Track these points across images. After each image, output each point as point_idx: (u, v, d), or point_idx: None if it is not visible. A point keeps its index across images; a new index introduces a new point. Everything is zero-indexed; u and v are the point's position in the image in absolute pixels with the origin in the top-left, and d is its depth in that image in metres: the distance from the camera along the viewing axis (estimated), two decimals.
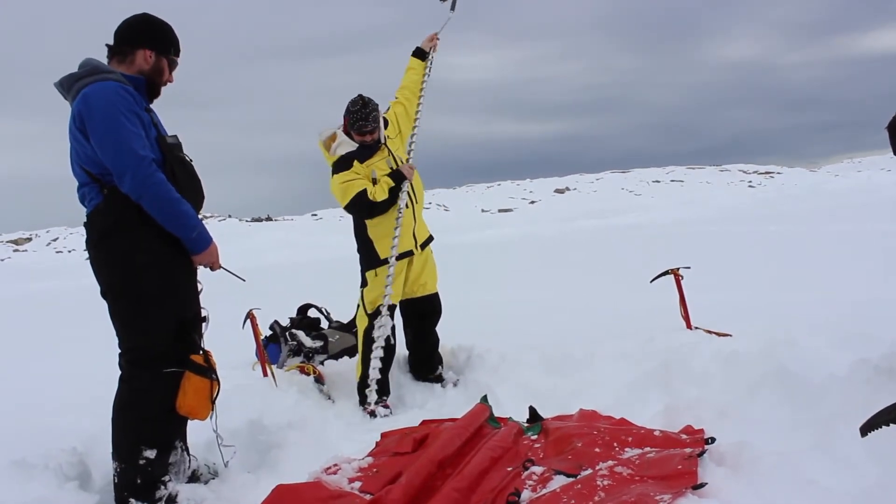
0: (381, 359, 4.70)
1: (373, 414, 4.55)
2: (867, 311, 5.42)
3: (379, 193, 4.60)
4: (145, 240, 3.10)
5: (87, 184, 3.12)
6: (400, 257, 4.73)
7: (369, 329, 4.70)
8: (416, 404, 4.73)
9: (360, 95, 4.69)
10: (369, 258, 4.78)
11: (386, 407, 4.63)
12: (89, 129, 3.02)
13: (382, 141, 4.78)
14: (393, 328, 4.76)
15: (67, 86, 3.14)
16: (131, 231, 3.08)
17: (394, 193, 4.66)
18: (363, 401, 4.68)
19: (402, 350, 5.06)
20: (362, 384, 4.72)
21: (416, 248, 4.81)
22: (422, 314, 4.93)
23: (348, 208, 4.68)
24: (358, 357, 4.82)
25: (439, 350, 5.03)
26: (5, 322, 11.23)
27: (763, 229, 14.95)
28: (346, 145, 4.70)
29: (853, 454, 2.84)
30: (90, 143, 3.03)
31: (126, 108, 3.03)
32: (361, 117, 4.62)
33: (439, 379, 4.93)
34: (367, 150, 4.72)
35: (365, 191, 4.58)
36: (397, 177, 4.68)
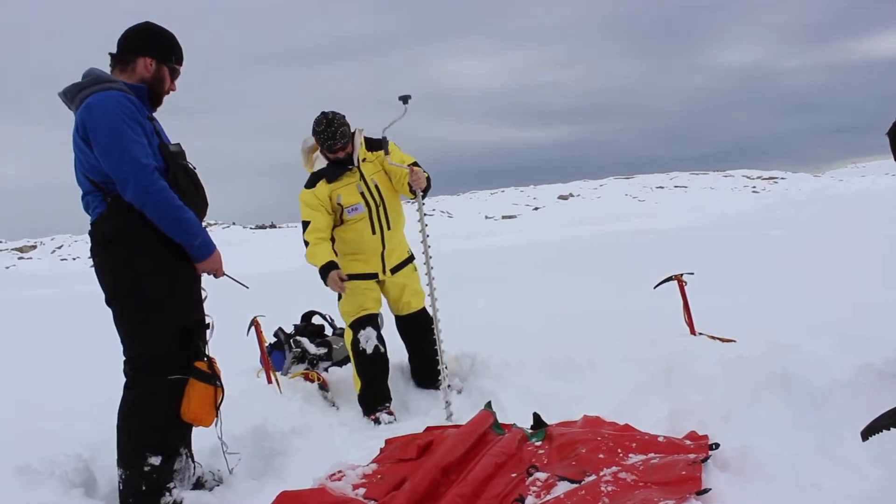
0: (376, 368, 4.70)
1: (377, 421, 4.56)
2: (870, 315, 5.42)
3: (310, 254, 4.58)
4: (148, 247, 3.12)
5: (91, 192, 3.15)
6: (365, 277, 4.71)
7: (356, 341, 4.70)
8: (421, 411, 4.73)
9: (323, 113, 4.56)
10: None
11: (390, 413, 4.63)
12: (92, 138, 3.04)
13: (355, 163, 4.65)
14: (380, 337, 4.73)
15: (71, 96, 3.16)
16: (134, 238, 3.10)
17: (315, 265, 4.57)
18: (366, 411, 4.69)
19: (404, 357, 5.06)
20: (363, 395, 4.73)
21: (385, 272, 4.75)
22: (411, 330, 4.90)
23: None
24: (353, 370, 4.80)
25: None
26: (10, 329, 11.24)
27: (767, 234, 14.93)
28: (321, 162, 4.70)
29: (856, 458, 2.85)
30: (93, 152, 3.06)
31: (128, 117, 3.05)
32: (328, 136, 4.52)
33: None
34: (336, 170, 4.63)
35: (308, 224, 4.59)
36: (323, 273, 4.52)
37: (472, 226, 34.58)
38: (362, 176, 4.68)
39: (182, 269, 3.23)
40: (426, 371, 4.90)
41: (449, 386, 4.67)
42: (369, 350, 4.67)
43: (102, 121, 3.02)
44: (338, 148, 4.57)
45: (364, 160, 4.72)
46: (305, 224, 4.63)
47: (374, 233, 4.68)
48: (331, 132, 4.52)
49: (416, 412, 4.73)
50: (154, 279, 3.14)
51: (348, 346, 4.79)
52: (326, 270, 4.51)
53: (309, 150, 4.82)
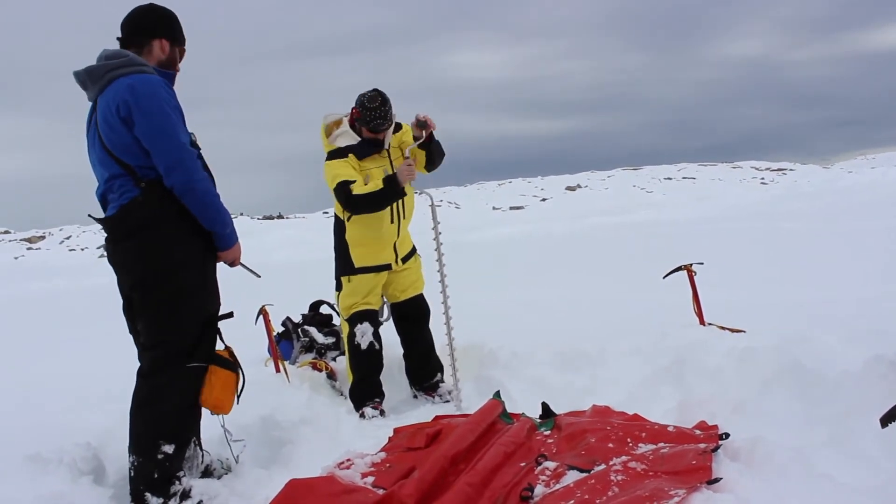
0: (369, 364, 4.64)
1: (362, 415, 4.49)
2: (880, 307, 5.39)
3: (364, 191, 4.33)
4: (184, 235, 3.12)
5: (121, 175, 3.08)
6: (378, 269, 4.63)
7: (352, 335, 4.64)
8: (428, 400, 4.73)
9: (376, 90, 4.44)
10: (344, 263, 4.66)
11: (375, 408, 4.54)
12: (138, 119, 3.00)
13: (386, 146, 4.58)
14: (376, 333, 4.65)
15: (97, 75, 3.10)
16: (170, 225, 3.09)
17: (377, 197, 4.34)
18: (356, 406, 4.61)
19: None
20: (353, 390, 4.68)
21: (397, 262, 4.67)
22: (407, 317, 4.80)
23: (335, 193, 4.44)
24: (347, 364, 4.77)
25: (437, 354, 4.85)
26: (18, 320, 11.29)
27: (776, 226, 14.85)
28: (348, 137, 4.51)
29: (868, 450, 2.83)
30: (131, 133, 3.02)
31: (171, 105, 3.07)
32: (380, 115, 4.40)
33: (435, 387, 4.78)
34: (366, 149, 4.51)
35: (351, 182, 4.35)
36: (390, 182, 4.32)
37: (479, 217, 34.56)
38: (391, 163, 4.60)
39: (209, 258, 3.25)
40: (423, 367, 4.82)
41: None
42: (364, 345, 4.59)
43: (151, 104, 3.00)
44: (382, 129, 4.48)
45: (391, 145, 4.64)
46: (344, 184, 4.33)
47: (392, 221, 4.59)
48: (383, 112, 4.42)
49: (423, 401, 4.73)
50: (189, 269, 3.14)
51: (344, 340, 4.74)
52: (390, 178, 4.33)
53: (332, 125, 4.63)
